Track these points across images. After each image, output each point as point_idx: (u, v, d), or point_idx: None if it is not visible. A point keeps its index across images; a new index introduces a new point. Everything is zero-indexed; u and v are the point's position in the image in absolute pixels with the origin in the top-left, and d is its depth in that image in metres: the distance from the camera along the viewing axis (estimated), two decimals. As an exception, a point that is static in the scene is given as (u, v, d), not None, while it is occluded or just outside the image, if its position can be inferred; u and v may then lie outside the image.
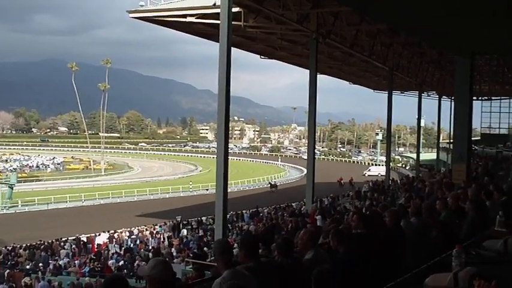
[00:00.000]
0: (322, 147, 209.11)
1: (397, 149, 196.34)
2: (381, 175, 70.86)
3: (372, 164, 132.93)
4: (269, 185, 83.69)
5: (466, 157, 23.45)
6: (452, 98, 48.64)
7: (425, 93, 57.54)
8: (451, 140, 42.34)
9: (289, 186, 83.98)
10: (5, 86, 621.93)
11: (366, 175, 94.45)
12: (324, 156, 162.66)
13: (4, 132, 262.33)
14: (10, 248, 40.84)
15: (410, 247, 7.88)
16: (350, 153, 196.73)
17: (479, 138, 60.93)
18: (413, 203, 12.73)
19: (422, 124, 75.85)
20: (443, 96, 60.11)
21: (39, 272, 32.58)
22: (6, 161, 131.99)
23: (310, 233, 7.32)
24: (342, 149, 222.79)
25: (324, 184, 60.86)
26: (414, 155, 77.27)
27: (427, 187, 19.83)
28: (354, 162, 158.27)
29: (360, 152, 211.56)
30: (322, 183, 51.11)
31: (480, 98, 62.43)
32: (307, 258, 6.78)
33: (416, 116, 54.52)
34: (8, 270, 32.74)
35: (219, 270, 6.18)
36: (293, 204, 47.57)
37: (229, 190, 22.88)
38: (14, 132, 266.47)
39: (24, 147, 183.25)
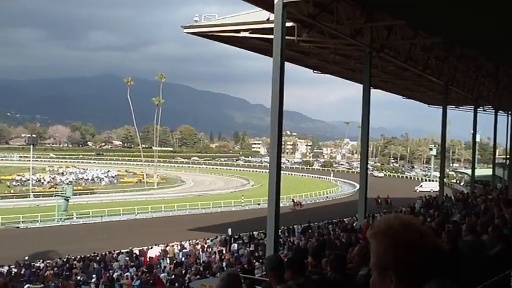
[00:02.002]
0: (375, 162, 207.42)
1: (451, 164, 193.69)
2: (433, 191, 69.73)
3: (425, 180, 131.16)
4: (292, 203, 79.45)
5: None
6: (510, 112, 47.81)
7: (481, 107, 56.47)
8: (508, 156, 41.52)
9: (315, 206, 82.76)
10: (62, 100, 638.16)
11: (418, 191, 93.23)
12: (376, 171, 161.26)
13: (61, 145, 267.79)
14: (65, 260, 41.48)
15: (465, 266, 7.69)
16: (403, 169, 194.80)
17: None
18: (468, 219, 12.47)
19: (477, 139, 74.47)
20: (500, 111, 58.94)
21: (92, 284, 33.02)
22: (63, 173, 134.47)
23: (365, 249, 7.21)
24: (394, 164, 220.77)
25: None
26: (469, 171, 75.84)
27: (482, 203, 19.43)
28: (406, 177, 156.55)
29: (413, 167, 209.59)
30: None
31: (538, 113, 61.00)
32: (361, 274, 6.69)
33: (472, 131, 53.53)
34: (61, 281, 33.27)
35: (270, 286, 6.15)
36: (345, 219, 47.18)
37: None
38: (70, 145, 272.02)
39: (80, 161, 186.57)
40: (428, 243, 2.16)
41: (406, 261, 2.14)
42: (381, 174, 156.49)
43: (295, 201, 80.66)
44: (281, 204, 70.34)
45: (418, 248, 2.14)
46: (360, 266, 6.94)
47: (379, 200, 74.42)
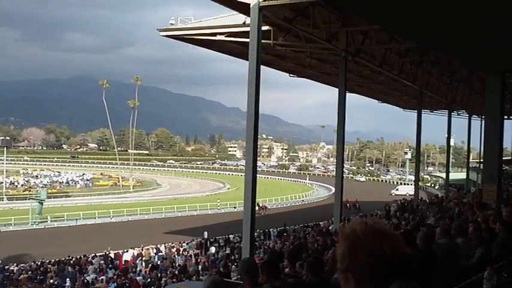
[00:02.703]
0: (351, 166, 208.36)
1: (426, 168, 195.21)
2: (409, 194, 70.11)
3: (401, 183, 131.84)
4: (257, 207, 76.73)
5: (496, 177, 23.13)
6: (483, 117, 48.28)
7: (455, 112, 56.97)
8: (481, 160, 41.91)
9: (290, 210, 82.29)
10: (36, 102, 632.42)
11: (394, 194, 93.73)
12: (352, 175, 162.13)
13: (35, 148, 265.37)
14: (39, 263, 41.11)
15: (439, 268, 7.76)
16: (378, 172, 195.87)
17: (510, 158, 60.14)
18: (443, 223, 12.58)
19: (452, 143, 74.99)
20: (474, 115, 59.54)
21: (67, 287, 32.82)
22: (37, 176, 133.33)
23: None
24: (370, 167, 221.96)
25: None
26: (443, 175, 76.45)
27: (456, 207, 19.61)
28: (387, 182, 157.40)
29: (388, 171, 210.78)
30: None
31: (511, 117, 61.65)
32: (336, 277, 6.73)
33: (446, 135, 53.98)
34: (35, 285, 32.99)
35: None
36: (321, 223, 47.30)
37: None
38: (44, 148, 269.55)
39: (55, 163, 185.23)
40: (386, 249, 2.18)
41: (364, 265, 2.18)
42: (363, 179, 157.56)
43: (260, 205, 77.65)
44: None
45: (376, 253, 2.17)
46: (335, 269, 6.98)
47: (348, 205, 72.44)
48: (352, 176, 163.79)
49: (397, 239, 2.25)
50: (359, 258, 2.18)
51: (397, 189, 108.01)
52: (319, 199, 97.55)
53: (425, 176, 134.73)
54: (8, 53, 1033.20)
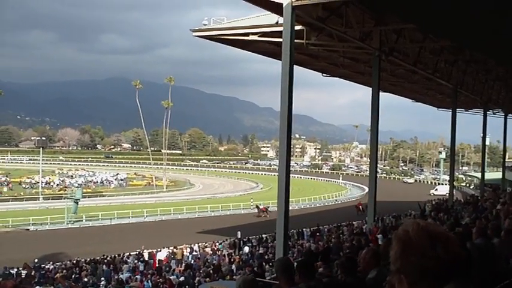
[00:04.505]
0: (384, 166, 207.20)
1: (460, 168, 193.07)
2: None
3: (439, 183, 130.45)
4: (256, 209, 75.62)
5: (533, 177, 22.83)
6: (519, 116, 47.66)
7: (490, 111, 56.22)
8: (518, 159, 41.28)
9: (315, 211, 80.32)
10: (71, 103, 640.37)
11: (433, 194, 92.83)
12: (385, 175, 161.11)
13: (70, 148, 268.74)
14: (74, 262, 41.59)
15: (476, 269, 7.67)
16: (412, 172, 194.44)
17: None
18: (479, 223, 12.45)
19: (487, 143, 74.06)
20: (510, 114, 58.69)
21: (101, 286, 33.09)
22: (72, 176, 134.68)
23: (373, 252, 7.23)
24: (404, 167, 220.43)
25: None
26: (478, 174, 75.51)
27: (492, 207, 19.36)
28: (416, 181, 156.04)
29: (422, 170, 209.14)
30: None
31: (549, 116, 60.59)
32: (370, 277, 6.70)
33: (481, 135, 53.30)
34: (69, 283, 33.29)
35: (281, 289, 6.18)
36: (354, 222, 47.07)
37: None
38: (79, 148, 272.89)
39: (89, 163, 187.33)
40: (439, 250, 2.17)
41: (416, 267, 2.18)
42: (411, 180, 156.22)
43: (261, 207, 74.78)
44: (242, 212, 68.13)
45: (428, 254, 2.16)
46: (368, 268, 6.95)
47: (361, 207, 67.54)
48: (400, 177, 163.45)
49: (450, 241, 2.24)
50: (411, 259, 2.18)
51: (436, 190, 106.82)
52: (352, 199, 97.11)
53: (460, 176, 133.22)
54: (43, 55, 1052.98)
